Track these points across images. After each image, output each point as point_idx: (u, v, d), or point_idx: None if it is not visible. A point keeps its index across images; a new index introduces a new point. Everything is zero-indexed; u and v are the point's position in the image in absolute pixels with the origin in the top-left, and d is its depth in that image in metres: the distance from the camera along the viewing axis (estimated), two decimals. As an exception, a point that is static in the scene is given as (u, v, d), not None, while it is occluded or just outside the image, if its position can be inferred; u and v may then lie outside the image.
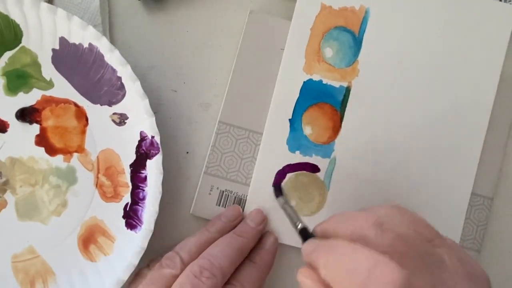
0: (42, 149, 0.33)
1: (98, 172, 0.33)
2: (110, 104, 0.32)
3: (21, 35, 0.32)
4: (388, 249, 0.21)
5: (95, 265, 0.32)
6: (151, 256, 0.32)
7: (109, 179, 0.33)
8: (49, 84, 0.32)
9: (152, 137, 0.31)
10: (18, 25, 0.31)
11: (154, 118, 0.31)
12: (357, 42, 0.34)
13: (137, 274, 0.31)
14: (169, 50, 0.35)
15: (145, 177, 0.31)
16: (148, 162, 0.31)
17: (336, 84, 0.34)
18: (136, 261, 0.30)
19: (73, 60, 0.32)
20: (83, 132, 0.33)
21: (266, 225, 0.33)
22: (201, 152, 0.34)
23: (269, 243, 0.32)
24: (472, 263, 0.23)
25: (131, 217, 0.31)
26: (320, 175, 0.33)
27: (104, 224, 0.32)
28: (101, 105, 0.32)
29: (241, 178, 0.33)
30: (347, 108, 0.34)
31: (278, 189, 0.31)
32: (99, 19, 0.34)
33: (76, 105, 0.33)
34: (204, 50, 0.35)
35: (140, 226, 0.31)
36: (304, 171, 0.33)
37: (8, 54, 0.32)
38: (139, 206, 0.31)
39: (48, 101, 0.32)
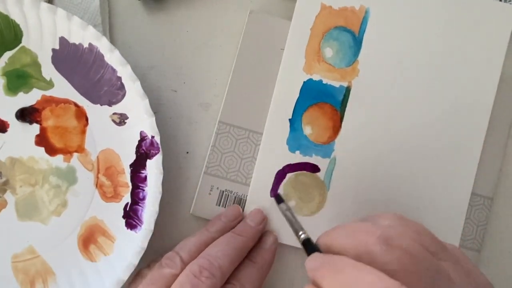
0: (42, 149, 0.33)
1: (98, 172, 0.33)
2: (110, 104, 0.32)
3: (21, 35, 0.32)
4: (396, 267, 0.21)
5: (95, 265, 0.32)
6: (151, 256, 0.32)
7: (109, 179, 0.33)
8: (49, 84, 0.32)
9: (152, 137, 0.31)
10: (18, 25, 0.31)
11: (154, 118, 0.31)
12: (357, 42, 0.34)
13: (137, 274, 0.31)
14: (169, 50, 0.35)
15: (145, 177, 0.31)
16: (148, 162, 0.31)
17: (336, 84, 0.34)
18: (136, 261, 0.30)
19: (73, 60, 0.32)
20: (83, 132, 0.33)
21: (266, 224, 0.33)
22: (201, 152, 0.34)
23: (269, 242, 0.32)
24: (478, 275, 0.23)
25: (131, 217, 0.31)
26: (320, 175, 0.33)
27: (104, 224, 0.32)
28: (101, 105, 0.32)
29: (241, 178, 0.33)
30: (347, 108, 0.34)
31: (278, 198, 0.31)
32: (99, 19, 0.34)
33: (76, 105, 0.33)
34: (204, 50, 0.35)
35: (140, 226, 0.31)
36: (304, 171, 0.33)
37: (8, 54, 0.32)
38: (139, 206, 0.31)
39: (48, 101, 0.33)
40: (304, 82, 0.33)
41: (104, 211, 0.32)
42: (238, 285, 0.29)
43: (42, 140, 0.33)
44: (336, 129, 0.34)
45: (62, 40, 0.31)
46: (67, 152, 0.33)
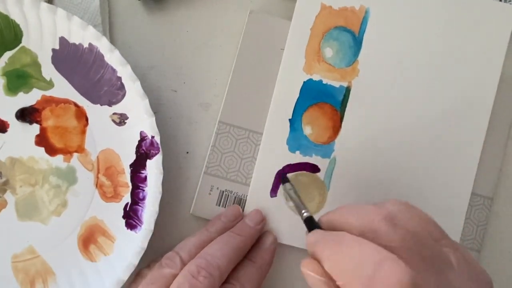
0: (42, 149, 0.33)
1: (98, 172, 0.33)
2: (110, 104, 0.32)
3: (21, 35, 0.32)
4: (399, 245, 0.21)
5: (95, 265, 0.32)
6: (151, 256, 0.32)
7: (109, 179, 0.33)
8: (49, 84, 0.32)
9: (152, 137, 0.31)
10: (18, 25, 0.31)
11: (154, 118, 0.31)
12: (357, 42, 0.34)
13: (137, 274, 0.31)
14: (169, 50, 0.35)
15: (145, 177, 0.31)
16: (148, 162, 0.31)
17: (336, 84, 0.34)
18: (136, 261, 0.30)
19: (73, 60, 0.32)
20: (83, 132, 0.33)
21: (265, 225, 0.33)
22: (201, 152, 0.34)
23: (269, 242, 0.32)
24: (477, 265, 0.23)
25: (131, 217, 0.31)
26: (320, 175, 0.33)
27: (104, 224, 0.32)
28: (101, 105, 0.32)
29: (241, 178, 0.33)
30: (347, 108, 0.34)
31: (284, 178, 0.31)
32: (99, 19, 0.34)
33: (76, 105, 0.33)
34: (204, 50, 0.35)
35: (140, 226, 0.31)
36: (304, 171, 0.33)
37: (8, 54, 0.32)
38: (139, 206, 0.31)
39: (48, 101, 0.33)
40: (304, 82, 0.33)
41: (104, 211, 0.32)
42: (238, 284, 0.29)
43: (42, 140, 0.33)
44: (336, 129, 0.34)
45: (62, 40, 0.31)
46: (67, 152, 0.33)
